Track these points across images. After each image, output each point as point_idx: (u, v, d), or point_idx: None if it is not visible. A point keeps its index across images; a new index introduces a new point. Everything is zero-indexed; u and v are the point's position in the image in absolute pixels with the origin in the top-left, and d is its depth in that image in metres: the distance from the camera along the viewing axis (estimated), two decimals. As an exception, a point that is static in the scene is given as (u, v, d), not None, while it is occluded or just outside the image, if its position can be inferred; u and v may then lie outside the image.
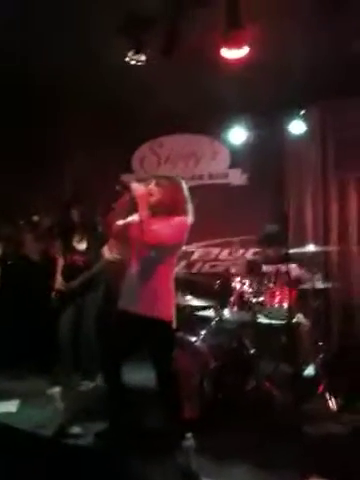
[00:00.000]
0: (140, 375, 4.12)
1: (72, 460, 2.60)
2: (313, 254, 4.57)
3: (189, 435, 3.17)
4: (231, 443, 3.45)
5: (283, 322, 4.11)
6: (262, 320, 4.31)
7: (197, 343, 3.99)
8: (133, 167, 6.46)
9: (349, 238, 5.49)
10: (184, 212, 3.27)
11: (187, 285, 4.64)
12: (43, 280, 4.93)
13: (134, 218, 3.30)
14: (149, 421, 3.70)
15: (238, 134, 5.64)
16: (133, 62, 4.14)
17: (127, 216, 3.35)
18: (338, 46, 4.46)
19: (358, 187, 5.48)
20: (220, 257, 6.12)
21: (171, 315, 3.23)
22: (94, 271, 4.56)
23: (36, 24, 4.11)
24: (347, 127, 5.47)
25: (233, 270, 4.84)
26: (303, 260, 4.65)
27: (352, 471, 3.06)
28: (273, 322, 4.27)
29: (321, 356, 4.41)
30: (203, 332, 4.18)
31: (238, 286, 4.42)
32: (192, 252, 5.87)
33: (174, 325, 3.26)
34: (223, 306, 4.42)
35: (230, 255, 5.98)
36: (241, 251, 4.90)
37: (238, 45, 3.89)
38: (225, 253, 6.06)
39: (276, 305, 4.30)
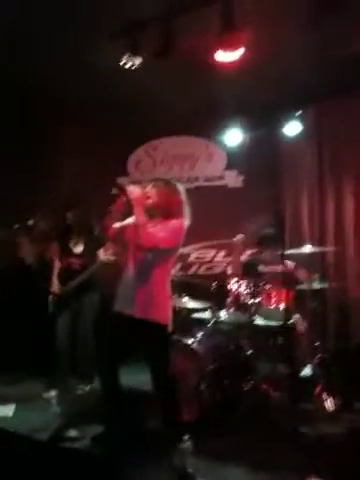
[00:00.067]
0: (137, 378, 4.11)
1: (69, 464, 2.60)
2: (309, 255, 4.58)
3: (186, 437, 3.18)
4: (229, 444, 3.45)
5: (280, 323, 4.11)
6: (259, 321, 4.31)
7: (194, 345, 3.98)
8: (128, 170, 6.46)
9: (345, 239, 5.50)
10: (181, 215, 3.27)
11: (183, 287, 4.65)
12: (39, 283, 4.92)
13: (130, 221, 3.31)
14: (146, 424, 3.70)
15: (234, 136, 5.64)
16: (128, 65, 4.13)
17: (123, 219, 3.36)
18: (333, 48, 4.46)
19: (354, 188, 5.48)
20: (216, 259, 6.12)
21: (167, 318, 3.23)
22: (90, 273, 4.55)
23: (30, 26, 4.11)
24: (342, 129, 5.48)
25: (229, 272, 4.85)
26: (300, 261, 4.67)
27: (349, 471, 3.07)
28: (270, 323, 4.27)
29: (318, 357, 4.42)
30: (200, 334, 4.17)
31: (234, 288, 4.42)
32: (188, 254, 5.88)
33: (170, 328, 3.26)
34: (220, 308, 4.42)
35: (226, 257, 6.00)
36: (237, 252, 4.88)
37: (233, 47, 3.89)
38: (221, 255, 6.07)
39: (273, 306, 4.30)
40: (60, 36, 4.21)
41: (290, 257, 4.45)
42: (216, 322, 4.41)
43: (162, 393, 3.28)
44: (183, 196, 3.35)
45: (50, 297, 4.65)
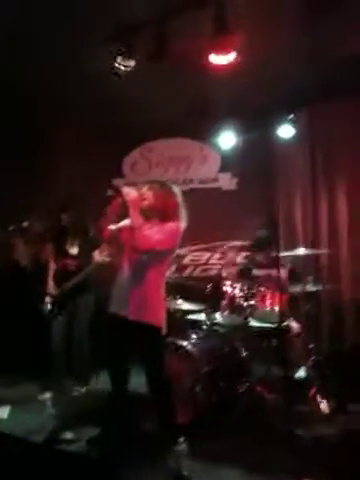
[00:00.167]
0: (132, 380, 4.11)
1: (64, 466, 2.59)
2: (303, 257, 4.59)
3: (181, 439, 3.18)
4: (224, 446, 3.45)
5: (274, 325, 4.12)
6: (253, 323, 4.31)
7: (189, 347, 3.98)
8: (124, 172, 6.46)
9: (339, 241, 5.52)
10: (177, 217, 3.27)
11: (178, 289, 4.65)
12: (34, 285, 4.91)
13: (126, 223, 3.31)
14: (141, 426, 3.70)
15: (228, 139, 5.66)
16: (122, 68, 4.14)
17: (119, 221, 3.36)
18: (326, 51, 4.49)
19: (347, 190, 5.51)
20: (211, 261, 6.13)
21: (161, 321, 3.23)
22: (85, 274, 4.54)
23: (27, 27, 4.12)
24: (335, 131, 5.50)
25: (224, 274, 4.86)
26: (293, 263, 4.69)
27: (344, 473, 3.08)
28: (264, 325, 4.27)
29: (312, 359, 4.43)
30: (194, 336, 4.18)
31: (229, 290, 4.42)
32: (183, 256, 5.88)
33: (164, 331, 3.26)
34: (214, 310, 4.42)
35: (221, 259, 6.00)
36: (232, 255, 4.89)
37: (226, 50, 3.91)
38: (216, 257, 6.08)
39: (267, 308, 4.30)
40: (56, 38, 4.22)
41: (284, 259, 4.46)
42: (211, 324, 4.42)
43: (157, 395, 3.28)
44: (179, 199, 3.36)
45: (45, 299, 4.64)
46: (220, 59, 3.98)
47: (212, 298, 4.46)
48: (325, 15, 3.94)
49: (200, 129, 5.98)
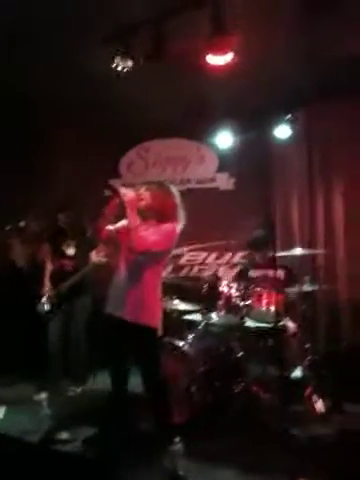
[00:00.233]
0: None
1: (59, 466, 2.60)
2: (300, 257, 4.59)
3: (177, 439, 3.18)
4: (219, 446, 3.46)
5: (270, 325, 4.12)
6: (250, 323, 4.32)
7: (185, 347, 3.99)
8: (121, 172, 6.46)
9: (336, 241, 5.53)
10: (175, 218, 3.28)
11: (175, 289, 4.65)
12: (31, 285, 4.91)
13: (123, 223, 3.31)
14: (137, 426, 3.70)
15: (225, 139, 5.66)
16: (119, 68, 4.14)
17: (116, 221, 3.36)
18: (323, 51, 4.50)
19: (344, 190, 5.52)
20: (208, 261, 6.13)
21: (157, 322, 3.24)
22: (82, 274, 4.54)
23: (27, 27, 4.11)
24: (332, 131, 5.51)
25: (220, 274, 4.86)
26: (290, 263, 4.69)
27: (339, 473, 3.09)
28: (260, 325, 4.28)
29: (308, 359, 4.43)
30: (191, 336, 4.18)
31: (226, 290, 4.42)
32: (180, 256, 5.87)
33: (160, 332, 3.26)
34: (210, 310, 4.42)
35: (218, 259, 6.01)
36: (229, 255, 4.90)
37: (223, 51, 3.91)
38: (213, 257, 6.08)
39: (263, 308, 4.30)
40: (55, 38, 4.21)
41: (283, 260, 4.47)
42: (207, 324, 4.42)
43: (153, 395, 3.28)
44: (177, 199, 3.36)
45: (42, 299, 4.64)
46: (217, 59, 3.98)
47: (208, 298, 4.45)
48: (322, 15, 3.94)
49: (197, 129, 5.98)
